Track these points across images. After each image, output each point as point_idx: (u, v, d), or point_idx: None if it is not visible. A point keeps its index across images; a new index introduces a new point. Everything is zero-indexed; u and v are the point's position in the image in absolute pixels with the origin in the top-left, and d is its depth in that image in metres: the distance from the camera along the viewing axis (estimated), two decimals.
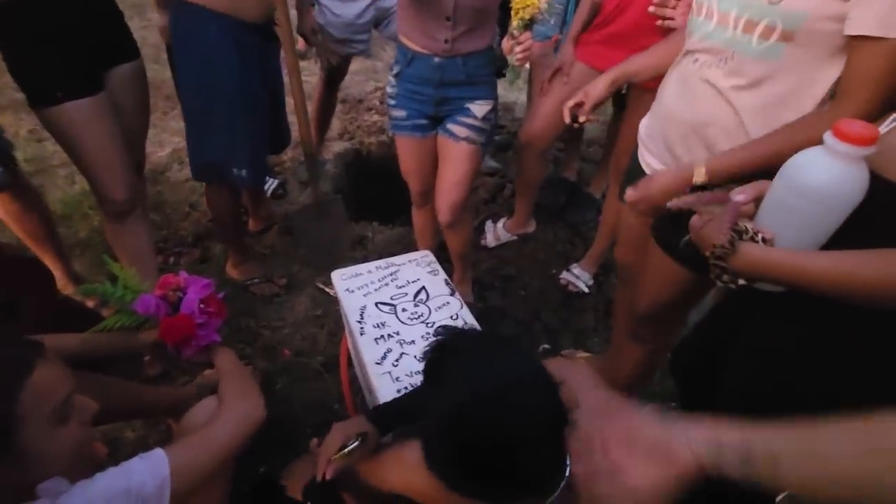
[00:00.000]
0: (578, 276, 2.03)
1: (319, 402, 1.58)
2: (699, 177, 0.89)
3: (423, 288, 1.44)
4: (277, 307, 1.89)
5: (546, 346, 1.81)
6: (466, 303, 1.39)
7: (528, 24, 1.27)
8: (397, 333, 1.30)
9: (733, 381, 0.86)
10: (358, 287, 1.43)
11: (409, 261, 1.53)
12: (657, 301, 1.18)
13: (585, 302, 1.99)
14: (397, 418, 0.95)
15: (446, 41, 1.36)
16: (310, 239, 2.11)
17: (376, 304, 1.38)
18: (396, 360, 1.23)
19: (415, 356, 1.24)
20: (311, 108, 2.18)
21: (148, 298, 1.03)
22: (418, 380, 1.18)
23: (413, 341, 1.28)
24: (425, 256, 1.55)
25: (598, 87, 1.17)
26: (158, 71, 2.76)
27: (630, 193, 1.03)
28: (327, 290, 1.93)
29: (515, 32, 1.27)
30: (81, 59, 1.33)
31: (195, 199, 2.36)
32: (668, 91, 1.02)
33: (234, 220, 1.84)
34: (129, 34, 1.50)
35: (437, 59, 1.40)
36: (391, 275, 1.47)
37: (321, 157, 2.59)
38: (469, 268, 1.88)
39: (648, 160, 1.10)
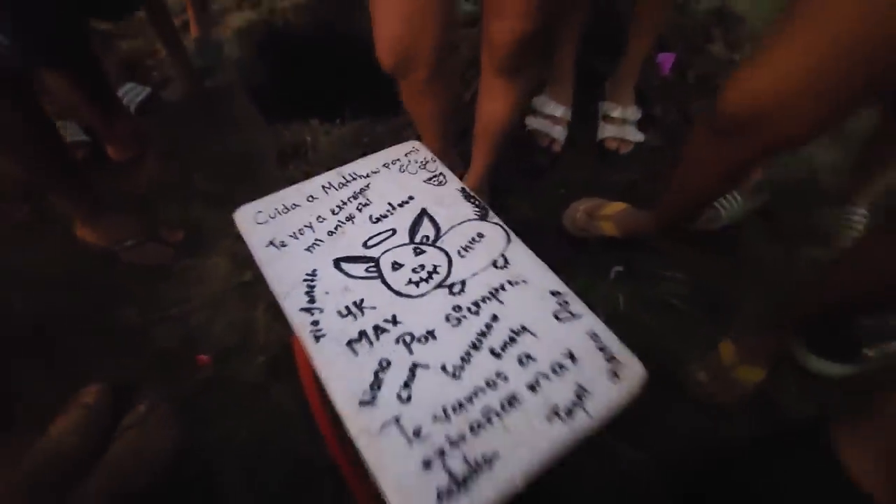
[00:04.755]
0: (624, 118, 1.35)
1: (274, 445, 0.90)
2: None
3: (426, 213, 0.72)
4: (175, 281, 1.15)
5: (618, 267, 1.15)
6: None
7: None
8: (394, 319, 0.60)
9: None
10: (291, 234, 0.70)
11: (384, 163, 0.80)
12: None
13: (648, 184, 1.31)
14: None
15: None
16: (206, 154, 1.31)
17: (336, 263, 0.66)
18: (404, 389, 0.55)
19: (445, 367, 0.56)
20: None
21: None
22: (465, 432, 0.51)
23: (432, 333, 0.59)
24: (413, 151, 0.82)
25: None
26: None
27: None
28: None
29: None
30: None
31: None
32: None
33: (27, 137, 0.96)
34: None
35: None
36: (352, 197, 0.74)
37: (209, 37, 1.69)
38: (497, 154, 1.14)
39: None
